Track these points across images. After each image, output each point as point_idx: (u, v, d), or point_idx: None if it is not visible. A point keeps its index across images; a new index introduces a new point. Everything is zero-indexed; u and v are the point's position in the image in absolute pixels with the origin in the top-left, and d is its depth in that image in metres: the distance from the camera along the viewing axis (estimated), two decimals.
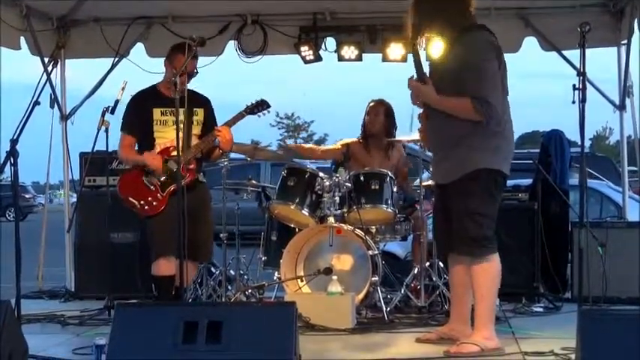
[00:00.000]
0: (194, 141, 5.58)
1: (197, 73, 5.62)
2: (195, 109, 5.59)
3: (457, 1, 4.84)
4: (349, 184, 6.14)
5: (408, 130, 6.00)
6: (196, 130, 5.62)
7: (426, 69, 4.94)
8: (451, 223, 4.89)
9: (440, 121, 4.88)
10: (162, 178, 5.48)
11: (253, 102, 5.73)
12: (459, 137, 4.77)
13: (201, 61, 5.92)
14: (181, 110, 4.98)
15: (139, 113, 5.56)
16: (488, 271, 4.81)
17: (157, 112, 5.53)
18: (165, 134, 5.52)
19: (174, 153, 5.40)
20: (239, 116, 5.66)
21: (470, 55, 4.72)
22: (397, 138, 6.77)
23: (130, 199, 5.51)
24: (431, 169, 5.37)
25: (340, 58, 7.67)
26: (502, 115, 4.78)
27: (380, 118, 6.82)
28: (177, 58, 5.43)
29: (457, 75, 4.73)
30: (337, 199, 6.14)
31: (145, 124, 5.54)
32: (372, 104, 6.90)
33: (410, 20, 4.87)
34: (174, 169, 5.37)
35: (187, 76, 5.43)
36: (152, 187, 5.50)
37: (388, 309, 5.91)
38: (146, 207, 5.49)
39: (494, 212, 4.87)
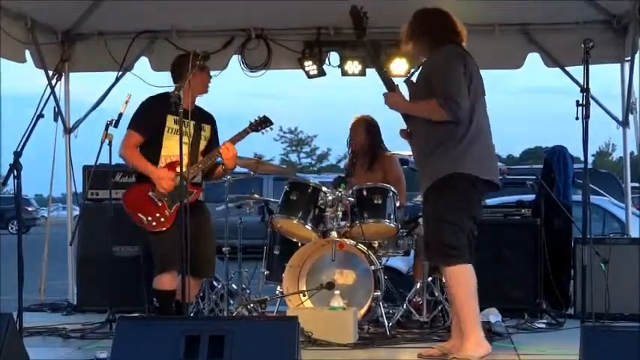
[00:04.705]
0: (199, 157, 5.56)
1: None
2: (203, 125, 5.59)
3: (439, 24, 5.07)
4: (352, 199, 6.14)
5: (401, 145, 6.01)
6: (202, 146, 5.59)
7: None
8: None
9: (418, 134, 5.05)
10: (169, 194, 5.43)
11: (257, 119, 5.72)
12: (434, 146, 4.91)
13: None
14: (191, 123, 4.98)
15: (154, 115, 5.45)
16: (458, 276, 4.84)
17: (170, 120, 5.42)
18: (173, 146, 5.38)
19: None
20: (243, 133, 5.65)
21: (436, 64, 4.97)
22: (393, 152, 6.78)
23: (139, 214, 5.41)
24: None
25: (344, 73, 7.69)
26: (475, 119, 4.90)
27: (360, 135, 6.84)
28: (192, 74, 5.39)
29: (428, 84, 4.95)
30: (340, 213, 6.14)
31: (156, 127, 5.44)
32: (353, 122, 6.91)
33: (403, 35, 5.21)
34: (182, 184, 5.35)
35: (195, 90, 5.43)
36: (159, 202, 5.41)
37: (390, 324, 5.90)
38: (154, 223, 5.39)
39: (464, 222, 4.89)
